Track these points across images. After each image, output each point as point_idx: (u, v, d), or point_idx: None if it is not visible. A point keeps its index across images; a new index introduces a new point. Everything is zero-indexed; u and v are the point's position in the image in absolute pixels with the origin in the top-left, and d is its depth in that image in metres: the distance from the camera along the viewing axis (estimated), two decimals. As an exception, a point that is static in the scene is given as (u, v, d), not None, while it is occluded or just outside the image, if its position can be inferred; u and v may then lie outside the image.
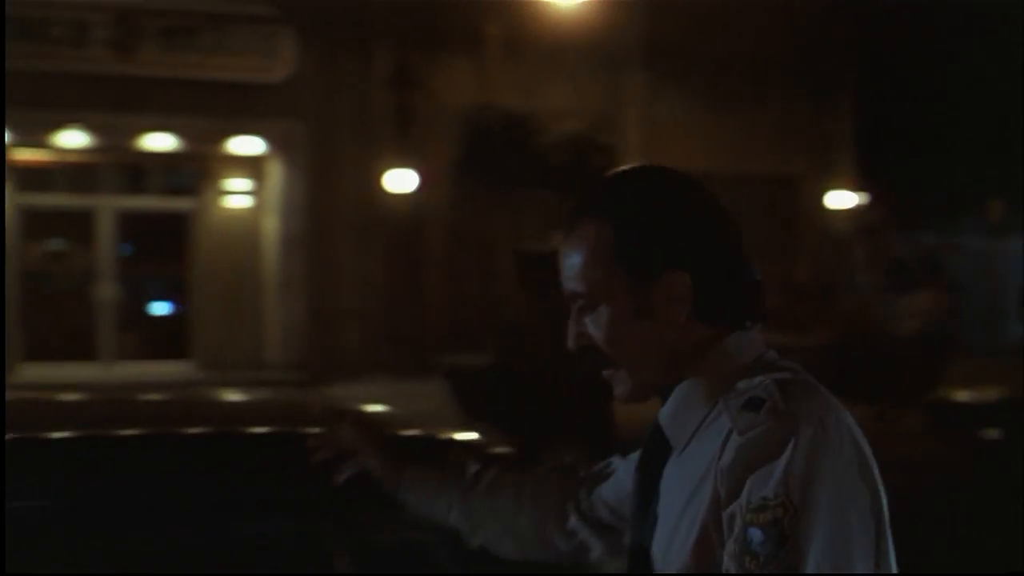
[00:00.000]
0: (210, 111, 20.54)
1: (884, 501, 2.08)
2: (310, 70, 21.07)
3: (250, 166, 21.68)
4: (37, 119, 19.89)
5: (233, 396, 5.03)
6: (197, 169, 21.68)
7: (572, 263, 2.25)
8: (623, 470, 2.61)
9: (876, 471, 2.09)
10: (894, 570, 2.09)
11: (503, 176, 19.81)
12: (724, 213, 2.25)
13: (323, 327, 20.80)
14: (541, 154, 20.09)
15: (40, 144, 20.58)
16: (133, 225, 21.55)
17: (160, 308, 22.26)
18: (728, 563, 2.03)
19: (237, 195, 21.62)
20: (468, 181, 20.46)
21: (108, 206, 21.30)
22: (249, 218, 21.59)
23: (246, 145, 21.29)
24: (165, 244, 21.75)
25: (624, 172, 2.32)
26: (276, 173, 21.59)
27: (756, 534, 1.99)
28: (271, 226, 21.51)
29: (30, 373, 18.91)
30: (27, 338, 20.25)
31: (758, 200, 24.18)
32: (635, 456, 2.45)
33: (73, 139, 20.40)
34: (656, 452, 2.28)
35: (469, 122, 20.35)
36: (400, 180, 21.27)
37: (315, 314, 20.89)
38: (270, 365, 20.55)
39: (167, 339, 21.34)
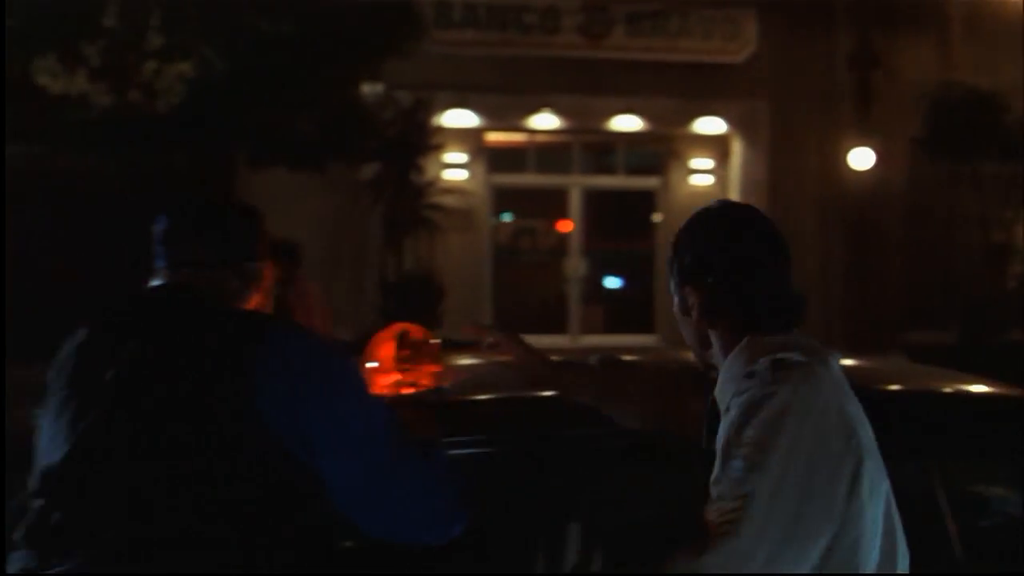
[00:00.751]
0: (674, 92, 21.15)
1: (861, 467, 2.69)
2: (771, 50, 21.35)
3: (712, 145, 22.15)
4: (510, 103, 20.99)
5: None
6: (661, 149, 22.33)
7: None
8: None
9: (853, 442, 2.70)
10: (866, 521, 2.69)
11: (965, 153, 19.56)
12: (758, 247, 3.02)
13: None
14: (1004, 131, 19.72)
15: (513, 127, 21.67)
16: (599, 203, 22.46)
17: (625, 283, 23.02)
18: (721, 484, 2.67)
19: (700, 174, 22.14)
20: (929, 159, 20.28)
21: (577, 185, 22.27)
22: (712, 195, 21.97)
23: (709, 125, 21.79)
24: (630, 222, 22.52)
25: (710, 204, 3.12)
26: (737, 152, 22.00)
27: (736, 463, 2.64)
28: (733, 204, 21.94)
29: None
30: (497, 311, 21.37)
31: None
32: None
33: (544, 121, 21.41)
34: (713, 413, 2.95)
35: (931, 100, 20.16)
36: (860, 158, 21.30)
37: (773, 290, 21.21)
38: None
39: (632, 313, 22.08)
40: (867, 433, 2.77)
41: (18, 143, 16.85)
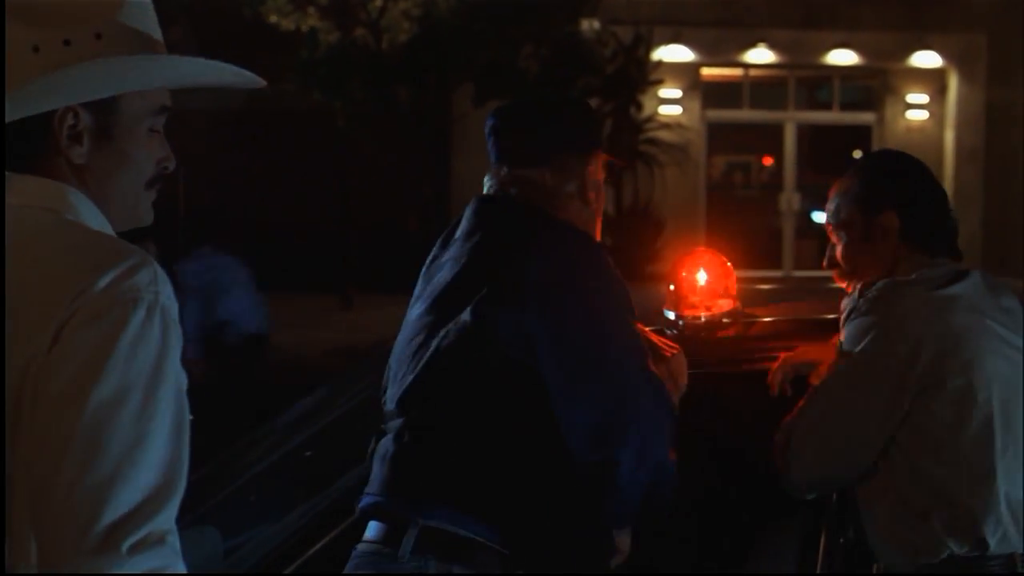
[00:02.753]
0: (891, 26, 20.95)
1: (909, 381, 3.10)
2: (992, -18, 21.01)
3: (928, 80, 21.90)
4: (726, 37, 21.03)
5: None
6: (877, 84, 22.19)
7: (831, 207, 3.37)
8: None
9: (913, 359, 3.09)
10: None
11: None
12: (933, 184, 3.39)
13: (995, 238, 20.87)
14: None
15: (728, 62, 21.73)
16: (814, 138, 22.48)
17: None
18: None
19: (915, 109, 21.93)
20: None
21: (791, 120, 22.27)
22: (928, 131, 21.85)
23: (925, 59, 21.55)
24: (845, 157, 22.38)
25: (876, 151, 3.96)
26: (953, 86, 21.75)
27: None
28: (949, 138, 21.73)
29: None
30: (709, 246, 21.39)
31: None
32: None
33: (759, 56, 21.43)
34: None
35: None
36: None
37: (988, 226, 20.99)
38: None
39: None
40: (962, 354, 3.11)
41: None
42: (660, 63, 20.06)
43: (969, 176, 21.32)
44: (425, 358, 2.95)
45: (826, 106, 22.68)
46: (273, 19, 17.67)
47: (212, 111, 17.28)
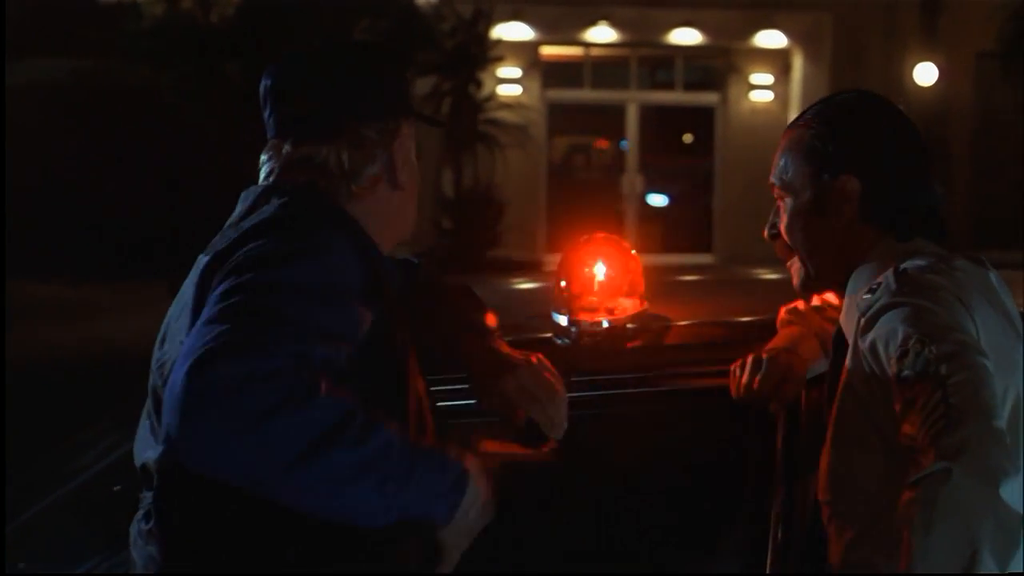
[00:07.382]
0: (734, 4, 20.71)
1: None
2: (835, -40, 20.89)
3: (773, 60, 21.73)
4: (566, 15, 20.58)
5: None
6: (720, 63, 21.91)
7: (779, 163, 2.60)
8: None
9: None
10: None
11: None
12: (914, 142, 2.57)
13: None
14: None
15: (568, 40, 21.27)
16: (657, 119, 22.06)
17: (672, 200, 22.61)
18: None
19: (760, 89, 21.73)
20: (995, 73, 19.85)
21: (633, 100, 21.86)
22: (772, 111, 21.66)
23: (769, 38, 21.35)
24: (688, 138, 22.19)
25: (840, 93, 2.65)
26: (798, 67, 21.59)
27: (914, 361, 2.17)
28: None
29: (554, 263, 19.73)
30: (550, 231, 21.03)
31: None
32: None
33: (601, 34, 20.99)
34: (839, 342, 2.53)
35: (1003, 12, 19.63)
36: (925, 73, 20.84)
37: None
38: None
39: (689, 232, 21.74)
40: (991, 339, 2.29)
41: (67, 57, 16.67)
42: (500, 41, 19.51)
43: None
44: (160, 409, 2.11)
45: (669, 86, 22.32)
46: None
47: (25, 87, 16.49)
